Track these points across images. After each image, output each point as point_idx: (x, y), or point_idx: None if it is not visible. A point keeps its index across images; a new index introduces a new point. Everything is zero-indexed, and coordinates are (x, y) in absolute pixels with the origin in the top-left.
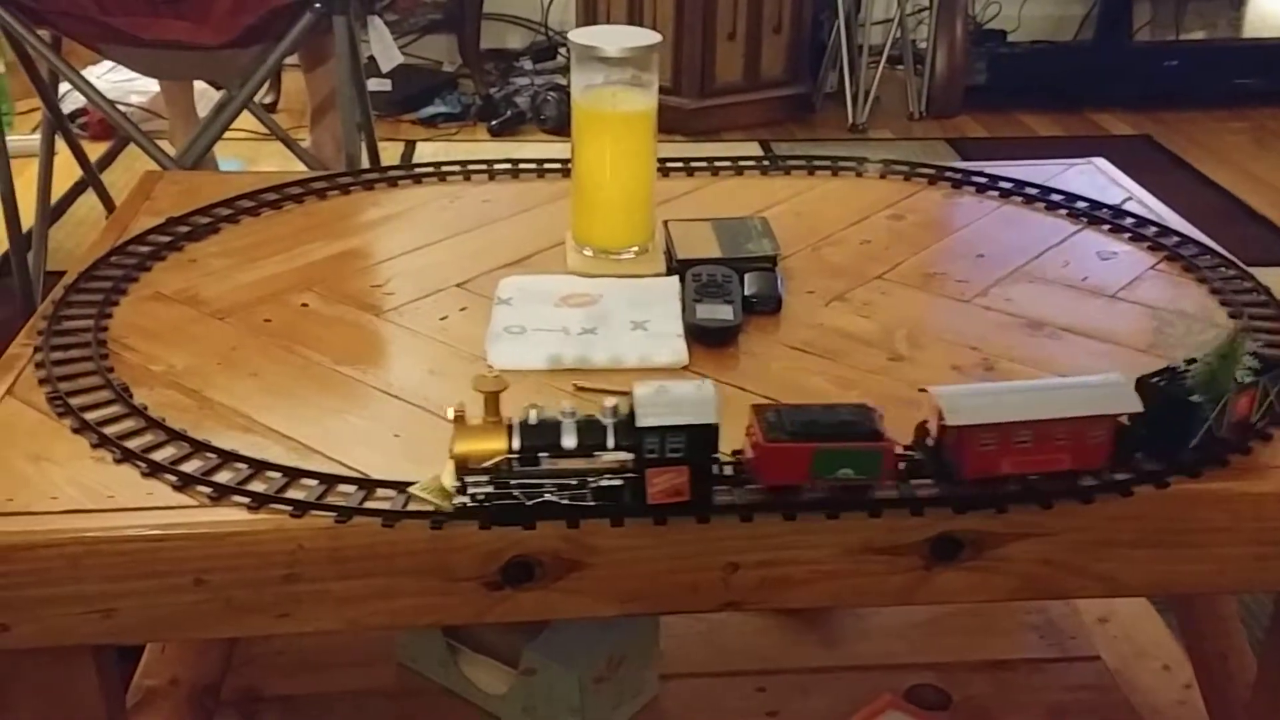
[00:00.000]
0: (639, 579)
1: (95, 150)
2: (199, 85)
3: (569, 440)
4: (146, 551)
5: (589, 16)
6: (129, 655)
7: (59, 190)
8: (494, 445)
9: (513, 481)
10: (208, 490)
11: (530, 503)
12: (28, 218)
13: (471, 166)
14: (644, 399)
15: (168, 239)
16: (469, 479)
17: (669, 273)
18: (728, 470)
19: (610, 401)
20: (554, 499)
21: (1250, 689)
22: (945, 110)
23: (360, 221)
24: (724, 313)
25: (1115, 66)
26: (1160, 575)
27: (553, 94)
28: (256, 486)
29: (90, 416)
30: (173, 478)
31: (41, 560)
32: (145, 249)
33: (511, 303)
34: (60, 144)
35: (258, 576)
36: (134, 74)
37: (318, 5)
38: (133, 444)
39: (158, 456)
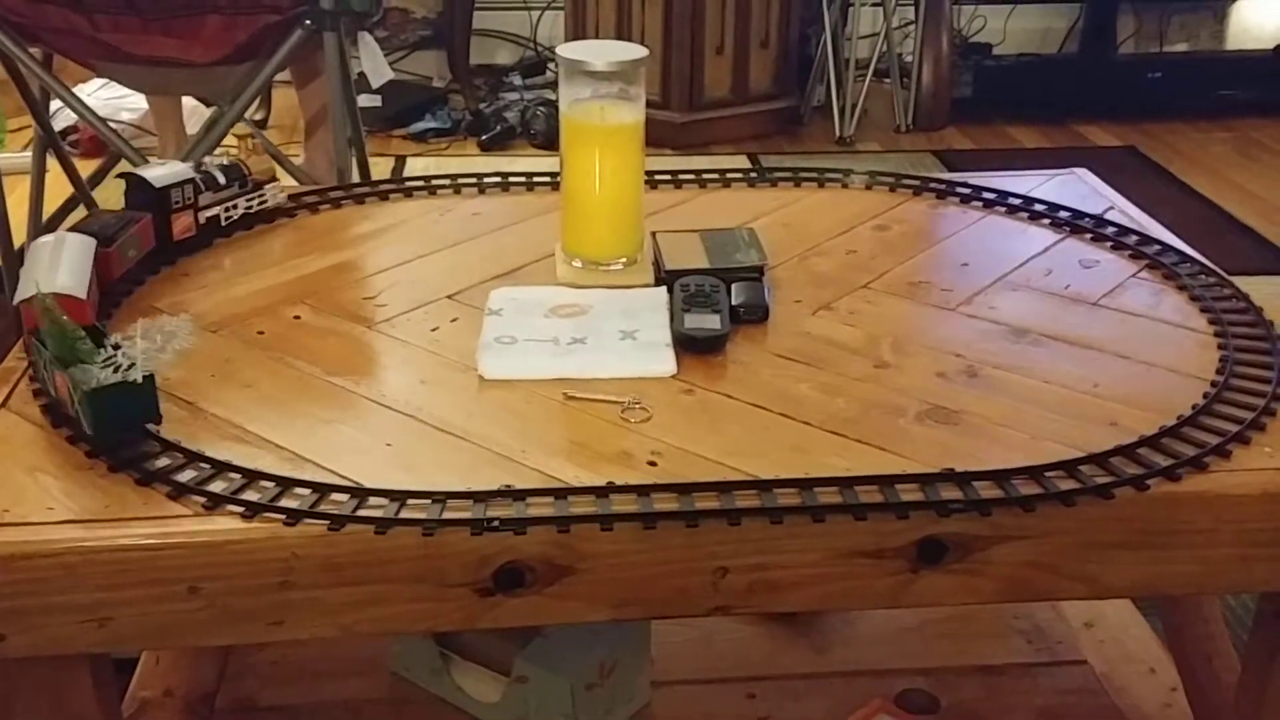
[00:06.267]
0: (629, 584)
1: (87, 167)
2: (188, 102)
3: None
4: (141, 561)
5: (578, 32)
6: (124, 666)
7: (51, 207)
8: None
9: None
10: (202, 500)
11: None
12: (20, 234)
13: (461, 180)
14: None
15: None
16: None
17: (657, 283)
18: None
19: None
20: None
21: (1235, 690)
22: (932, 123)
23: (352, 235)
24: (712, 322)
25: (1100, 79)
26: (1144, 576)
27: (542, 109)
28: (250, 496)
29: None
30: (167, 488)
31: (38, 570)
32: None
33: (502, 314)
34: (52, 161)
35: (252, 585)
36: (125, 91)
37: (308, 22)
38: (127, 454)
39: (152, 467)
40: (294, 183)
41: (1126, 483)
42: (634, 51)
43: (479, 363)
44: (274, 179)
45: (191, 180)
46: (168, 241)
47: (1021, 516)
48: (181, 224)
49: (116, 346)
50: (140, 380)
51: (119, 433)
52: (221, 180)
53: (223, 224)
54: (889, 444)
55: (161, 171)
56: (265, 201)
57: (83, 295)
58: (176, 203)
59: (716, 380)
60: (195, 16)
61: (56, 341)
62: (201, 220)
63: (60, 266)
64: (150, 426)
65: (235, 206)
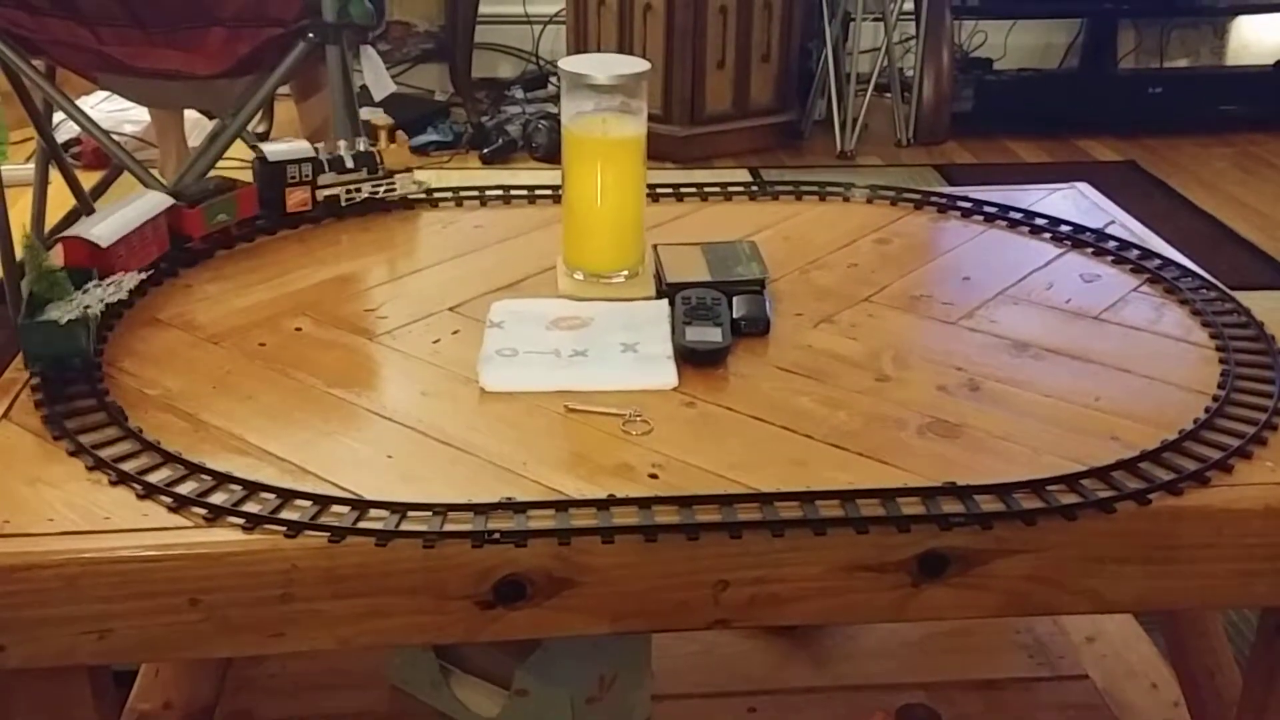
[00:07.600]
0: (630, 597)
1: (89, 179)
2: (190, 115)
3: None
4: (142, 572)
5: (579, 46)
6: (123, 679)
7: (53, 219)
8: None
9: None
10: (203, 511)
11: None
12: (21, 247)
13: (463, 193)
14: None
15: (163, 264)
16: None
17: (659, 296)
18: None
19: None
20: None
21: (1237, 705)
22: (932, 137)
23: (353, 247)
24: (713, 335)
25: (1100, 94)
26: (1145, 591)
27: (544, 122)
28: (251, 508)
29: (86, 439)
30: (168, 499)
31: (38, 581)
32: (141, 274)
33: (503, 326)
34: (54, 173)
35: (252, 596)
36: (128, 104)
37: (311, 35)
38: (128, 466)
39: (153, 479)
40: None
41: (1128, 497)
42: (636, 65)
43: (480, 375)
44: (409, 169)
45: (312, 159)
46: (280, 212)
47: (1023, 530)
48: (296, 198)
49: (86, 291)
50: (63, 322)
51: (47, 364)
52: (349, 164)
53: (343, 204)
54: (890, 457)
55: (281, 148)
56: (394, 189)
57: (104, 244)
58: (292, 178)
59: (718, 393)
60: (198, 29)
61: (37, 279)
62: (319, 197)
63: (108, 217)
64: (136, 428)
65: (359, 189)
